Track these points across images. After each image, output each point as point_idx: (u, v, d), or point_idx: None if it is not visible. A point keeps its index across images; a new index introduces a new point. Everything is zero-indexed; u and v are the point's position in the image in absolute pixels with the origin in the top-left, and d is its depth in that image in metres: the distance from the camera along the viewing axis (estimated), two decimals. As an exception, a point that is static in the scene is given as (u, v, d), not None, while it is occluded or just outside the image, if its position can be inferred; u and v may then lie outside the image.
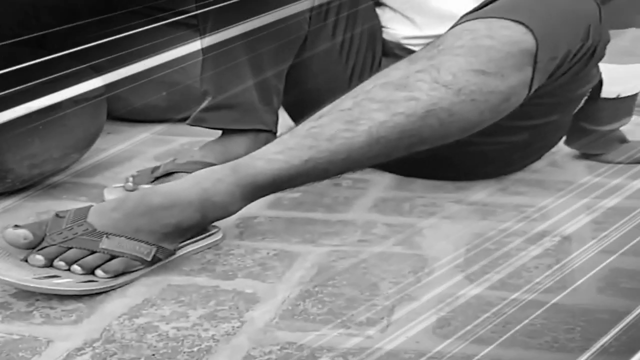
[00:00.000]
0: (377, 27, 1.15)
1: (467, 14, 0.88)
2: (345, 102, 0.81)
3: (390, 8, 1.14)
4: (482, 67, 0.78)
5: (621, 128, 1.21)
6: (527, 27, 0.79)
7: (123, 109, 1.55)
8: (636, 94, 1.17)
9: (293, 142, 0.81)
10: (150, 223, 0.76)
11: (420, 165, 1.08)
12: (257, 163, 0.81)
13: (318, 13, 1.07)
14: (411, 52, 1.11)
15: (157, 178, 1.04)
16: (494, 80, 0.79)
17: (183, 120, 1.58)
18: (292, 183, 0.82)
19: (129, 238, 0.75)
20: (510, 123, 0.88)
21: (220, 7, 1.03)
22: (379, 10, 1.16)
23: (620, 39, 1.07)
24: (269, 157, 0.81)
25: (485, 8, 0.85)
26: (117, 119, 1.54)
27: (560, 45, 0.83)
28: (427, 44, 0.85)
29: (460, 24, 0.83)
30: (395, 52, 1.14)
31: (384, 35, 1.16)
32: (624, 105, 1.15)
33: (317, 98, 1.13)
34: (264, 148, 0.83)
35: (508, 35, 0.79)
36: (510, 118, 0.86)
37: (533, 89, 0.83)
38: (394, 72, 0.81)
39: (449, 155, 0.94)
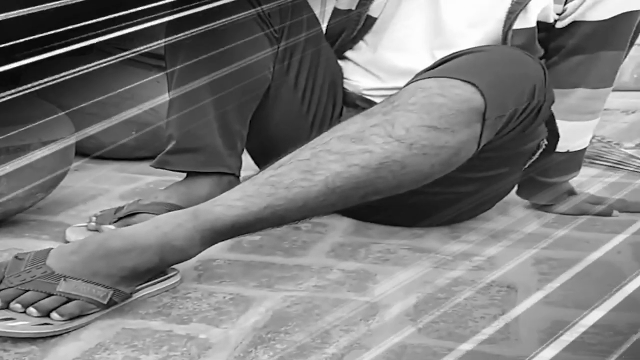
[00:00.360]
0: (339, 79, 1.18)
1: (421, 72, 0.91)
2: (303, 152, 0.83)
3: (353, 62, 1.17)
4: (434, 123, 0.81)
5: (570, 180, 1.25)
6: (476, 87, 0.83)
7: (92, 146, 1.55)
8: (584, 149, 1.21)
9: (252, 189, 0.82)
10: (108, 266, 0.77)
11: (377, 211, 1.10)
12: (216, 209, 0.82)
13: (281, 63, 1.10)
14: (372, 102, 1.15)
15: (120, 218, 1.05)
16: (445, 136, 0.82)
17: (151, 158, 1.59)
18: (250, 229, 0.83)
19: (85, 281, 0.75)
20: (461, 175, 0.91)
21: (186, 52, 1.05)
22: (341, 63, 1.19)
23: (569, 98, 1.11)
24: (229, 204, 0.82)
25: (438, 68, 0.89)
26: (85, 155, 1.54)
27: (507, 104, 0.87)
28: (386, 98, 0.88)
29: (414, 81, 0.87)
30: (356, 102, 1.17)
31: (346, 87, 1.19)
32: (573, 160, 1.19)
33: (279, 144, 1.16)
34: (224, 194, 0.84)
35: (458, 94, 0.82)
36: (461, 170, 0.89)
37: (482, 144, 0.87)
38: (350, 125, 0.83)
39: (404, 202, 0.96)
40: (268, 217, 0.81)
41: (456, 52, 0.93)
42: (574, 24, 1.05)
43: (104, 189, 1.35)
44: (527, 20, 1.03)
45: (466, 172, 0.91)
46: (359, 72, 1.17)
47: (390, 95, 0.86)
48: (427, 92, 0.83)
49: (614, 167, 1.69)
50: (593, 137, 1.94)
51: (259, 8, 1.06)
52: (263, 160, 1.23)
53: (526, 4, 1.01)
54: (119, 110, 1.51)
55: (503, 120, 0.88)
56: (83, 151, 1.52)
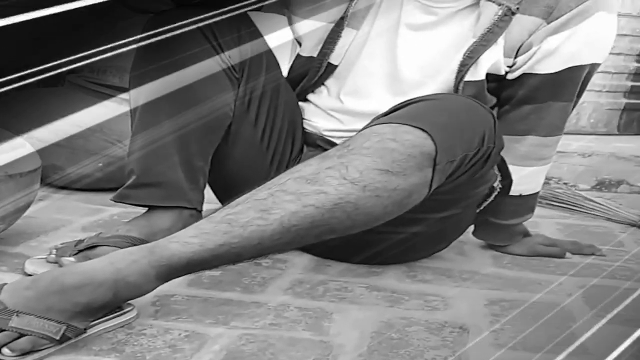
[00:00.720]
0: (298, 117, 1.20)
1: (376, 118, 0.93)
2: (260, 192, 0.84)
3: (314, 104, 1.19)
4: (387, 167, 0.83)
5: (526, 222, 1.27)
6: (427, 133, 0.85)
7: (57, 176, 1.54)
8: (537, 193, 1.23)
9: (209, 227, 0.82)
10: (61, 302, 0.76)
11: (336, 248, 1.11)
12: (172, 245, 0.82)
13: (242, 101, 1.11)
14: (332, 143, 1.16)
15: (80, 251, 1.03)
16: (397, 179, 0.83)
17: (117, 189, 1.58)
18: (205, 265, 0.83)
19: (39, 317, 0.74)
20: (415, 215, 0.93)
21: (148, 89, 1.06)
22: (303, 104, 1.21)
23: (521, 145, 1.14)
24: (185, 240, 0.82)
25: (392, 114, 0.92)
26: (50, 185, 1.52)
27: (457, 149, 0.90)
28: (342, 142, 0.89)
29: (369, 127, 0.88)
30: (317, 142, 1.19)
31: (307, 127, 1.20)
32: (525, 203, 1.21)
33: (239, 180, 1.17)
34: (181, 232, 0.84)
35: (410, 140, 0.84)
36: (414, 211, 0.90)
37: (433, 188, 0.89)
38: (306, 167, 0.85)
39: (362, 240, 0.97)
40: (223, 254, 0.81)
41: (410, 100, 0.95)
42: (524, 75, 1.08)
43: (67, 220, 1.33)
44: (477, 74, 1.06)
45: (420, 213, 0.93)
46: (320, 115, 1.18)
47: (346, 140, 0.88)
48: (381, 137, 0.84)
49: (569, 208, 1.72)
50: (550, 179, 1.99)
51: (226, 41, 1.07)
52: (224, 194, 1.24)
53: (477, 59, 1.04)
54: (87, 142, 1.50)
55: (454, 165, 0.90)
56: (48, 181, 1.51)
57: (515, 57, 1.07)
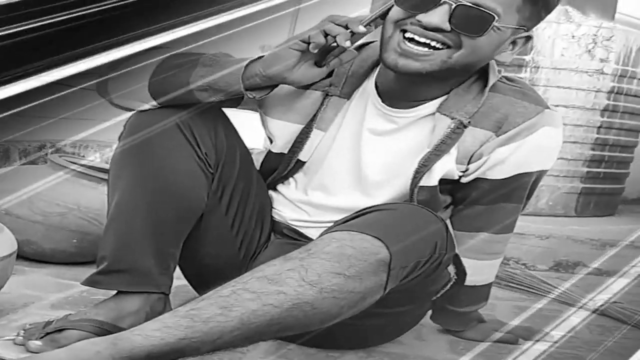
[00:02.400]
0: (268, 206, 1.24)
1: (335, 224, 0.99)
2: (224, 289, 0.88)
3: (283, 195, 1.23)
4: (344, 271, 0.88)
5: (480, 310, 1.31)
6: (382, 241, 0.91)
7: (31, 251, 1.55)
8: (490, 283, 1.27)
9: (172, 321, 0.85)
10: (24, 393, 0.77)
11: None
12: (135, 338, 0.84)
13: (214, 193, 1.15)
14: (298, 232, 1.20)
15: (47, 333, 1.04)
16: (353, 282, 0.89)
17: (90, 263, 1.59)
18: (166, 358, 0.85)
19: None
20: (372, 310, 0.97)
21: (126, 180, 1.09)
22: (272, 193, 1.25)
23: (474, 240, 1.18)
24: (147, 333, 0.85)
25: (351, 222, 0.98)
26: (23, 258, 1.53)
27: (410, 256, 0.95)
28: (305, 245, 0.94)
29: (329, 232, 0.94)
30: (283, 231, 1.23)
31: (275, 216, 1.24)
32: (479, 293, 1.26)
33: (209, 265, 1.20)
34: (144, 324, 0.87)
35: (367, 247, 0.90)
36: (371, 306, 0.94)
37: (387, 290, 0.94)
38: (269, 267, 0.90)
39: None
40: (184, 348, 0.84)
41: (369, 208, 1.02)
42: (477, 179, 1.14)
43: (37, 296, 1.34)
44: (431, 180, 1.11)
45: (376, 308, 0.97)
46: (288, 206, 1.23)
47: (307, 243, 0.94)
48: (340, 243, 0.90)
49: (526, 291, 1.76)
50: (509, 260, 2.03)
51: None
52: (194, 278, 1.26)
53: (430, 167, 1.10)
54: (63, 219, 1.53)
55: (407, 270, 0.96)
56: (22, 254, 1.51)
57: (468, 164, 1.13)
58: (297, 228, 1.21)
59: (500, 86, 1.13)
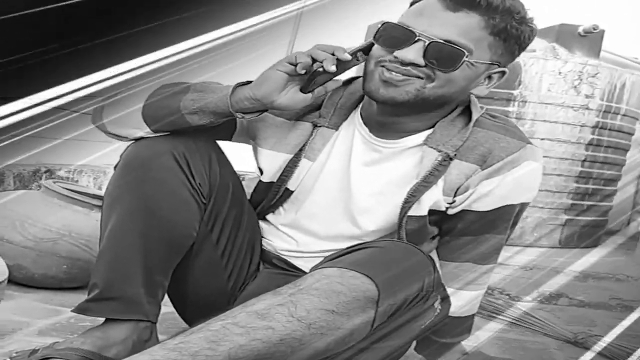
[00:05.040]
0: (257, 235, 1.24)
1: (326, 259, 0.99)
2: (214, 323, 0.88)
3: (272, 224, 1.24)
4: (332, 308, 0.88)
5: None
6: (371, 279, 0.91)
7: (20, 276, 1.54)
8: (473, 315, 1.27)
9: (160, 354, 0.85)
10: None
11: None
12: (125, 370, 0.84)
13: (206, 224, 1.16)
14: (286, 262, 1.20)
15: None
16: (341, 319, 0.88)
17: (79, 289, 1.59)
18: None
19: None
20: (359, 345, 0.97)
21: (120, 210, 1.09)
22: (262, 223, 1.25)
23: (460, 271, 1.19)
24: None
25: (341, 258, 0.98)
26: (13, 282, 1.52)
27: (398, 294, 0.96)
28: (293, 282, 0.94)
29: (319, 268, 0.94)
30: (273, 261, 1.23)
31: (264, 246, 1.24)
32: (463, 324, 1.25)
33: (199, 294, 1.20)
34: (135, 355, 0.87)
35: (356, 284, 0.90)
36: (359, 342, 0.94)
37: (375, 326, 0.94)
38: (259, 302, 0.89)
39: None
40: None
41: (358, 245, 1.02)
42: (462, 211, 1.15)
43: (25, 322, 1.33)
44: (420, 209, 1.12)
45: (363, 343, 0.97)
46: (276, 235, 1.23)
47: (297, 279, 0.93)
48: (329, 280, 0.90)
49: (509, 322, 1.76)
50: (493, 290, 2.04)
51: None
52: (183, 307, 1.26)
53: (419, 197, 1.12)
54: (54, 245, 1.52)
55: (395, 307, 0.95)
56: (11, 279, 1.51)
57: (454, 196, 1.14)
58: (287, 258, 1.21)
59: (484, 122, 1.15)
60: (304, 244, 1.20)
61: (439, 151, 1.12)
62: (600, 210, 2.60)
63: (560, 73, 2.41)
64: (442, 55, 1.04)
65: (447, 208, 1.14)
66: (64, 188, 1.60)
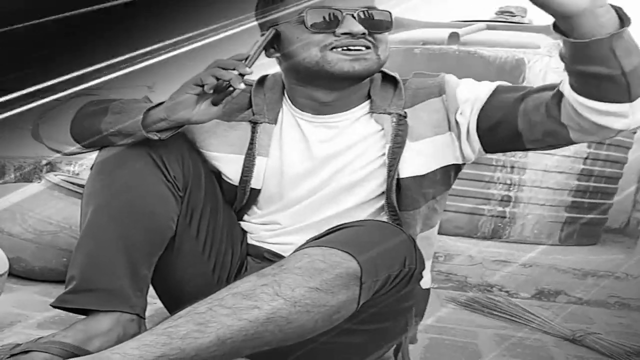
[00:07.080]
0: (237, 231, 1.24)
1: (308, 241, 1.00)
2: (201, 306, 0.88)
3: (253, 224, 1.24)
4: (316, 285, 0.88)
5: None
6: (352, 255, 0.91)
7: (20, 269, 1.54)
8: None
9: (150, 339, 0.86)
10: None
11: (273, 353, 1.12)
12: (114, 357, 0.85)
13: (184, 216, 1.16)
14: (274, 253, 1.20)
15: (12, 355, 1.01)
16: (326, 296, 0.89)
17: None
18: None
19: None
20: (350, 327, 0.97)
21: (97, 201, 1.10)
22: (243, 224, 1.25)
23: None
24: (126, 352, 0.85)
25: (322, 238, 0.98)
26: (12, 275, 1.52)
27: (380, 270, 0.95)
28: (279, 261, 0.94)
29: (301, 249, 0.95)
30: (264, 255, 1.22)
31: (253, 242, 1.24)
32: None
33: (184, 286, 1.20)
34: (124, 343, 0.88)
35: (338, 261, 0.90)
36: (348, 321, 0.95)
37: (360, 304, 0.94)
38: (244, 283, 0.90)
39: (298, 347, 0.99)
40: None
41: (339, 225, 1.02)
42: (483, 111, 1.12)
43: (24, 315, 1.33)
44: (404, 171, 1.13)
45: (354, 325, 0.98)
46: (255, 230, 1.24)
47: (281, 259, 0.94)
48: (312, 258, 0.91)
49: (508, 319, 1.75)
50: (492, 287, 2.03)
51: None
52: (169, 300, 1.26)
53: (398, 159, 1.13)
54: (55, 238, 1.52)
55: (378, 284, 0.95)
56: (11, 272, 1.50)
57: (458, 117, 1.14)
58: (273, 250, 1.21)
59: (408, 80, 1.20)
60: (283, 235, 1.20)
61: (389, 113, 1.15)
62: (601, 208, 2.59)
63: (564, 70, 2.39)
64: (375, 22, 1.11)
65: (477, 123, 1.13)
66: (64, 181, 1.60)
